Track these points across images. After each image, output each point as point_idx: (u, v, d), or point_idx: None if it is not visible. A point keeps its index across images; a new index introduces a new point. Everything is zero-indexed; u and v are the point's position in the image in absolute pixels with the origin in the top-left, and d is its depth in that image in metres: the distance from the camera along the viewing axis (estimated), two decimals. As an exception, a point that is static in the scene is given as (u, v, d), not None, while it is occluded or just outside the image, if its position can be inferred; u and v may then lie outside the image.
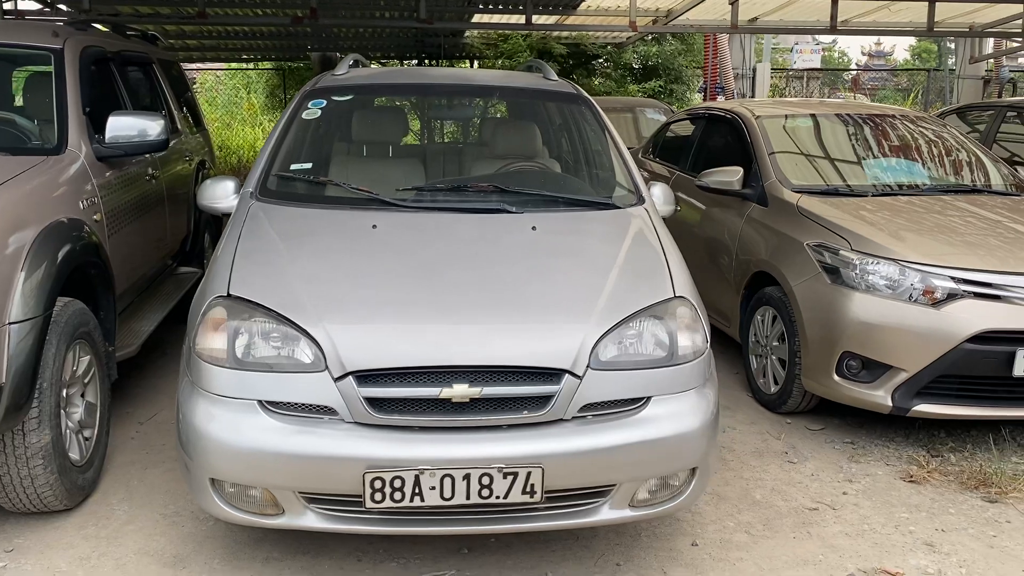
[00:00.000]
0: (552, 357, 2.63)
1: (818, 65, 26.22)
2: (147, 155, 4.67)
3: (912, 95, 21.79)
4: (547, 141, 4.40)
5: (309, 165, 3.80)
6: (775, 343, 4.49)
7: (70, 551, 3.05)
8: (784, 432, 4.26)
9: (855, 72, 31.07)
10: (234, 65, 19.99)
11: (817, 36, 24.02)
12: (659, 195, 3.72)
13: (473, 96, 4.78)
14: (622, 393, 2.69)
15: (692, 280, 3.10)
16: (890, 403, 3.90)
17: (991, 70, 13.60)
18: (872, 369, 3.94)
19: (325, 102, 4.00)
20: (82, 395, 3.43)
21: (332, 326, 2.63)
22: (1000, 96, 12.97)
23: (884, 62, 39.31)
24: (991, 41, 12.95)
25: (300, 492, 2.59)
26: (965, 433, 4.22)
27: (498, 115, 5.28)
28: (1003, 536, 3.30)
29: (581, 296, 2.84)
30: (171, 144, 5.20)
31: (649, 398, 2.71)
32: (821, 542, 3.23)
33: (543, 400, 2.61)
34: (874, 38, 37.47)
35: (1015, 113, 6.99)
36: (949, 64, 14.72)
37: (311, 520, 2.63)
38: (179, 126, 5.94)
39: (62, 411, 3.20)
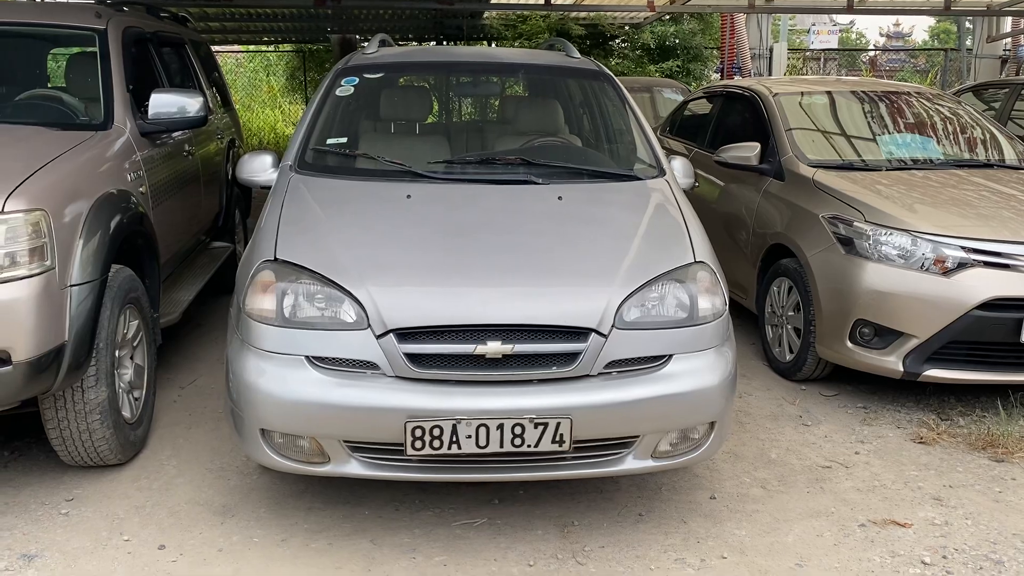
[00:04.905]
0: (579, 317, 2.80)
1: (835, 46, 26.02)
2: (184, 132, 4.85)
3: (930, 75, 21.67)
4: (568, 118, 4.54)
5: (344, 140, 3.97)
6: (790, 313, 4.64)
7: (126, 500, 3.26)
8: (799, 398, 4.42)
9: (873, 53, 30.80)
10: (253, 48, 20.14)
11: (835, 17, 23.94)
12: (679, 168, 3.88)
13: (499, 73, 4.92)
14: (645, 351, 2.86)
15: (711, 247, 3.26)
16: (901, 368, 4.04)
17: (1008, 49, 13.59)
18: (884, 336, 4.09)
19: (358, 79, 4.16)
20: (131, 357, 3.64)
21: (373, 288, 2.80)
22: (1018, 75, 12.96)
23: (903, 43, 38.90)
24: (1008, 20, 12.93)
25: (345, 441, 2.78)
26: (974, 398, 4.36)
27: (523, 92, 5.41)
28: (1008, 492, 3.45)
29: (606, 261, 3.01)
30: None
31: (671, 356, 2.88)
32: (834, 496, 3.40)
33: (571, 357, 2.78)
34: (892, 19, 37.15)
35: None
36: (967, 44, 14.65)
37: (355, 468, 2.82)
38: (210, 105, 6.11)
39: (115, 371, 3.40)
